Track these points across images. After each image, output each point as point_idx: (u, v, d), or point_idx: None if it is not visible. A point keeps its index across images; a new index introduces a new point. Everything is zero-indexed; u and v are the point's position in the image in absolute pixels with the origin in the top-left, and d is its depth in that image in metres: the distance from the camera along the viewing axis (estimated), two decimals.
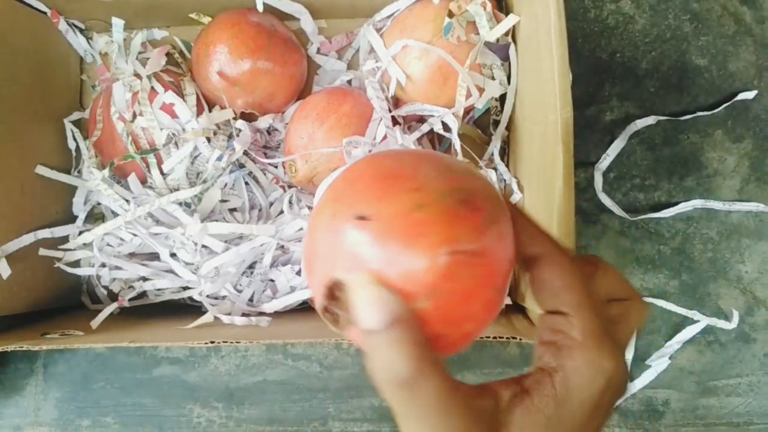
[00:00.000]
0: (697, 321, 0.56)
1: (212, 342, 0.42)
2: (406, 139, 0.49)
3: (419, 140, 0.52)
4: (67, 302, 0.57)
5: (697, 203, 0.56)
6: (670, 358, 0.56)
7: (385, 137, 0.50)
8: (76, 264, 0.54)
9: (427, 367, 0.22)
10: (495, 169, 0.54)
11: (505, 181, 0.53)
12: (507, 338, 0.42)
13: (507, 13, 0.50)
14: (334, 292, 0.23)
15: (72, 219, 0.56)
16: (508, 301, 0.49)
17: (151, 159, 0.51)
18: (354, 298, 0.23)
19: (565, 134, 0.40)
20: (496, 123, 0.54)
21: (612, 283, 0.27)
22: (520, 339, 0.42)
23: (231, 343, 0.42)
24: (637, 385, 0.56)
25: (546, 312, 0.26)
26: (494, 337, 0.42)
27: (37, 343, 0.44)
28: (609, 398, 0.24)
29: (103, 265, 0.52)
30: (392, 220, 0.23)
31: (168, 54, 0.55)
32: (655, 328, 0.57)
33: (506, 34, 0.51)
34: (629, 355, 0.56)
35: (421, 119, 0.54)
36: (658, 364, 0.56)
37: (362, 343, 0.23)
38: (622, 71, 0.58)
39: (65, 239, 0.55)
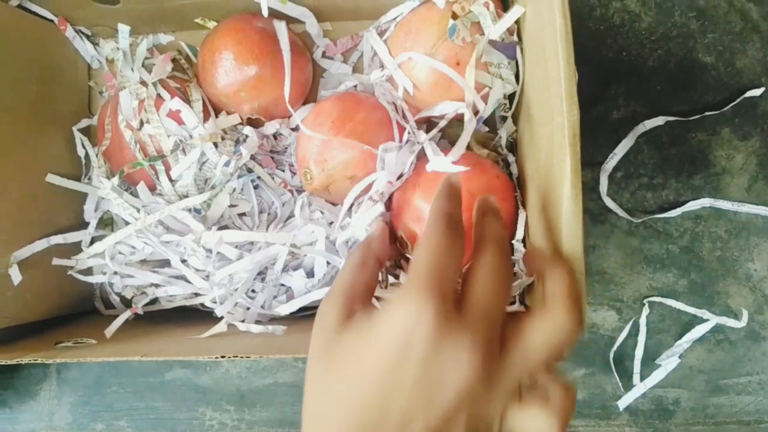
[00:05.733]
0: (707, 320, 0.56)
1: (222, 356, 0.43)
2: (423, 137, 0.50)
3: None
4: (81, 308, 0.57)
5: (705, 202, 0.56)
6: (679, 357, 0.56)
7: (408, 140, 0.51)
8: (88, 272, 0.55)
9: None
10: (504, 160, 0.54)
11: (511, 174, 0.53)
12: None
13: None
14: None
15: (83, 225, 0.56)
16: (519, 309, 0.50)
17: (159, 166, 0.51)
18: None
19: (572, 137, 0.40)
20: (504, 119, 0.54)
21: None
22: None
23: (242, 357, 0.42)
24: (647, 384, 0.56)
25: None
26: None
27: (51, 356, 0.44)
28: None
29: (115, 273, 0.53)
30: None
31: (174, 60, 0.55)
32: (665, 327, 0.57)
33: (511, 33, 0.50)
34: (638, 354, 0.57)
35: (428, 120, 0.55)
36: (667, 363, 0.56)
37: None
38: (629, 70, 0.57)
39: (77, 245, 0.55)
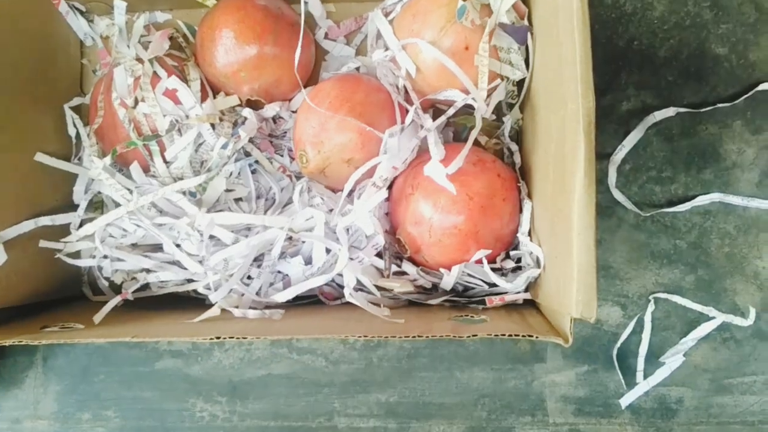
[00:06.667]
0: (713, 318, 0.55)
1: (217, 338, 0.41)
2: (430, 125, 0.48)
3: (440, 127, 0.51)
4: (68, 293, 0.55)
5: (714, 197, 0.55)
6: (684, 355, 0.55)
7: (412, 121, 0.49)
8: (77, 255, 0.53)
9: None
10: (507, 149, 0.53)
11: (514, 163, 0.52)
12: (522, 336, 0.40)
13: (527, 3, 0.49)
14: None
15: (72, 207, 0.54)
16: (525, 296, 0.48)
17: (154, 146, 0.49)
18: None
19: (586, 124, 0.38)
20: (511, 106, 0.53)
21: None
22: (536, 336, 0.40)
23: (237, 338, 0.41)
24: (650, 382, 0.55)
25: None
26: (509, 335, 0.40)
27: (36, 338, 0.43)
28: None
29: (105, 257, 0.51)
30: None
31: (171, 38, 0.53)
32: (670, 324, 0.56)
33: (522, 16, 0.49)
34: (642, 351, 0.55)
35: (432, 104, 0.53)
36: (672, 361, 0.55)
37: None
38: (640, 59, 0.56)
39: (66, 227, 0.53)
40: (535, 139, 0.49)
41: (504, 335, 0.40)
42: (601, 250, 0.56)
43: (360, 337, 0.40)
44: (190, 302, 0.53)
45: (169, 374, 0.58)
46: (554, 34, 0.44)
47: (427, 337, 0.40)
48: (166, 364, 0.58)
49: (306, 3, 0.54)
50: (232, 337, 0.41)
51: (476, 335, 0.40)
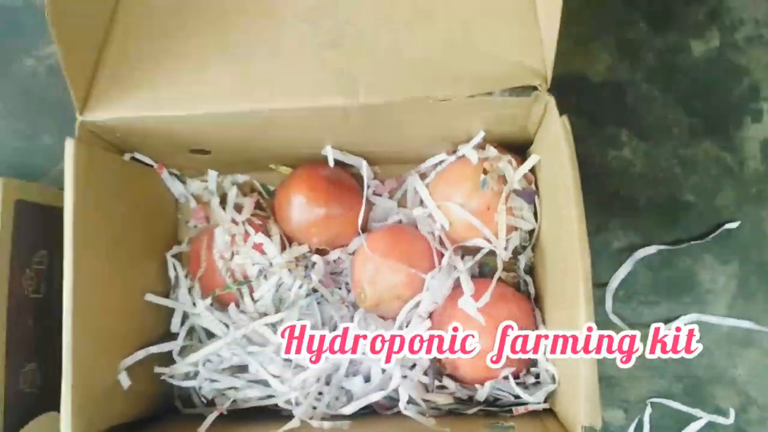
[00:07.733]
0: (700, 418, 0.66)
1: None
2: (461, 267, 0.61)
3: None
4: (163, 407, 0.67)
5: (693, 317, 0.67)
6: None
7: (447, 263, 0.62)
8: (181, 377, 0.65)
9: None
10: (523, 281, 0.65)
11: (530, 293, 0.64)
12: None
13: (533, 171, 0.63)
14: None
15: (170, 334, 0.66)
16: (544, 406, 0.59)
17: (244, 288, 0.63)
18: None
19: (584, 285, 0.50)
20: (524, 248, 0.66)
21: None
22: None
23: None
24: None
25: None
26: None
27: None
28: None
29: (205, 379, 0.63)
30: None
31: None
32: (665, 424, 0.67)
33: (530, 182, 0.63)
34: None
35: (461, 246, 0.66)
36: None
37: None
38: (625, 207, 0.70)
39: (168, 352, 0.65)
40: (545, 274, 0.62)
41: None
42: (606, 364, 0.67)
43: None
44: (265, 411, 0.65)
45: None
46: (555, 199, 0.57)
47: None
48: None
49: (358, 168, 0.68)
50: None
51: None
